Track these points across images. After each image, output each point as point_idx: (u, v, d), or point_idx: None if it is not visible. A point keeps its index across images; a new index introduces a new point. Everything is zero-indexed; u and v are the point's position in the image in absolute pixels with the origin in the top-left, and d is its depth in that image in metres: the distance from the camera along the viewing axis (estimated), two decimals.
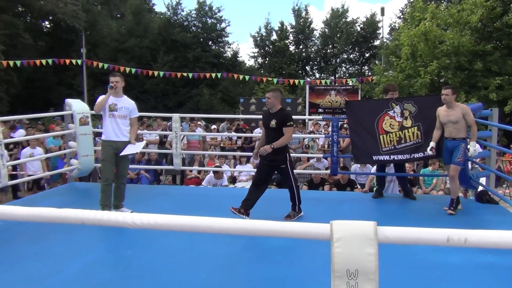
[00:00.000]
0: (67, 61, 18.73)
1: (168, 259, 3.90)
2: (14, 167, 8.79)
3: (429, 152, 5.65)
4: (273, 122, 5.08)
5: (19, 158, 8.71)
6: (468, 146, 5.42)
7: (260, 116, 6.66)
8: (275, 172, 5.47)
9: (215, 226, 1.91)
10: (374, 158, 6.36)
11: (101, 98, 5.32)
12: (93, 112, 5.95)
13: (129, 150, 5.29)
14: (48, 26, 37.03)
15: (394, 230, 1.80)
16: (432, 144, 5.61)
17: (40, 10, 32.38)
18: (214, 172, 8.75)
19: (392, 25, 33.95)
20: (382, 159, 6.28)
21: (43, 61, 17.87)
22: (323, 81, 22.04)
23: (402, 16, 32.23)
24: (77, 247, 4.14)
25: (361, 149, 6.48)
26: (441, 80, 15.22)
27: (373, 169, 7.59)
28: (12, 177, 7.43)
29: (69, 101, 6.96)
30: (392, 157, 6.26)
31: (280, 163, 5.16)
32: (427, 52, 14.60)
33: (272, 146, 5.04)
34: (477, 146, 5.52)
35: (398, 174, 6.63)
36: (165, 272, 3.58)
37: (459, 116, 5.33)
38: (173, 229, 1.94)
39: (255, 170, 6.29)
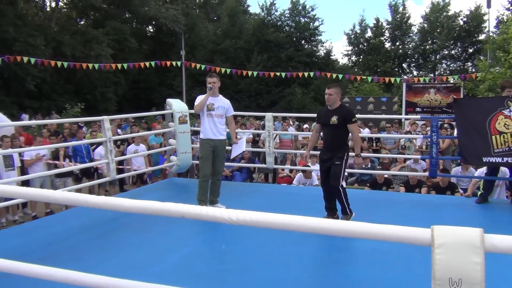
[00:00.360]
0: (168, 63, 19.83)
1: (261, 256, 3.96)
2: (121, 162, 9.50)
3: None
4: (334, 119, 4.79)
5: (125, 154, 9.40)
6: None
7: (360, 116, 6.38)
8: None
9: (309, 225, 1.90)
10: (484, 160, 5.89)
11: (200, 99, 5.54)
12: (191, 111, 6.22)
13: (236, 151, 5.56)
14: (151, 30, 39.55)
15: (503, 238, 1.66)
16: None
17: (144, 16, 34.73)
18: (303, 171, 8.73)
19: (500, 18, 31.39)
20: (494, 161, 5.79)
21: (147, 64, 19.08)
22: (421, 79, 20.98)
23: (511, 8, 29.66)
24: (176, 239, 4.36)
25: (469, 150, 6.03)
26: None
27: (477, 172, 7.05)
28: (119, 171, 8.02)
29: (169, 100, 7.33)
30: (506, 159, 5.75)
31: (336, 160, 4.81)
32: None
33: (359, 155, 4.98)
34: None
35: (508, 178, 6.10)
36: (257, 268, 3.64)
37: None
38: (267, 227, 1.96)
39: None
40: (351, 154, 5.11)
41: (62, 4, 33.74)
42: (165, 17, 32.81)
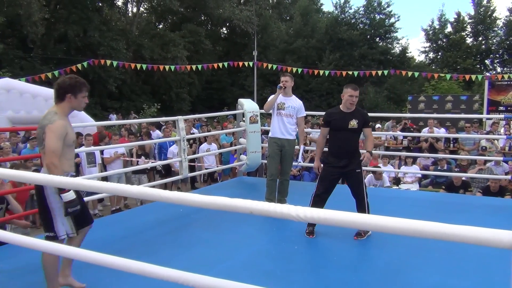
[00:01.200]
0: (240, 63, 20.14)
1: (327, 258, 3.94)
2: (193, 160, 9.81)
3: None
4: (354, 123, 4.38)
5: (197, 153, 9.71)
6: None
7: (431, 115, 6.06)
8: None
9: (381, 224, 1.86)
10: None
11: (271, 97, 5.59)
12: (262, 111, 6.28)
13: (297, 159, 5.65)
14: (225, 32, 40.41)
15: None
16: None
17: (219, 18, 35.58)
18: (373, 172, 8.51)
19: None
20: None
21: (220, 65, 19.53)
22: (505, 76, 19.61)
23: None
24: (245, 237, 4.45)
25: None
26: None
27: None
28: (191, 169, 8.30)
29: (241, 100, 7.45)
30: None
31: (356, 167, 4.45)
32: None
33: (371, 152, 4.51)
34: None
35: None
36: (324, 269, 3.62)
37: None
38: (335, 225, 1.94)
39: (420, 172, 5.75)
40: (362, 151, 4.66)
41: (143, 10, 35.48)
42: (239, 18, 33.41)
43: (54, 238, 2.97)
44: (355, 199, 4.51)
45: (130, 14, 34.88)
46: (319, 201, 4.45)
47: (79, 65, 16.48)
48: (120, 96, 28.92)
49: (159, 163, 8.53)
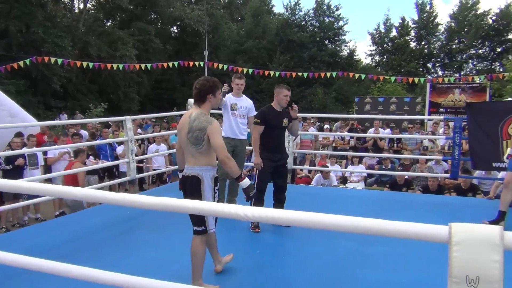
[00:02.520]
0: (191, 63, 19.95)
1: (276, 256, 4.00)
2: (141, 162, 9.63)
3: (505, 160, 4.94)
4: (286, 121, 4.79)
5: (146, 154, 9.54)
6: None
7: (377, 116, 6.32)
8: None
9: (324, 222, 1.90)
10: (494, 165, 5.84)
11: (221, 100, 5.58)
12: (213, 111, 6.26)
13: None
14: (176, 31, 39.91)
15: None
16: (509, 150, 4.89)
17: (169, 17, 35.08)
18: (321, 171, 8.72)
19: None
20: (504, 166, 5.72)
21: (170, 64, 19.25)
22: (446, 79, 20.60)
23: None
24: None
25: (479, 155, 6.01)
26: None
27: (500, 174, 6.91)
28: (139, 170, 8.14)
29: (191, 100, 7.34)
30: None
31: (285, 162, 5.03)
32: None
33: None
34: None
35: None
36: (272, 268, 3.67)
37: None
38: (281, 223, 1.98)
39: (366, 171, 5.98)
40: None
41: (90, 6, 34.37)
42: (190, 17, 33.07)
43: (203, 232, 3.25)
44: (277, 192, 4.89)
45: (76, 10, 33.70)
46: (262, 197, 4.66)
47: (21, 63, 15.73)
48: (65, 95, 27.87)
49: (106, 164, 8.30)
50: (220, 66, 20.02)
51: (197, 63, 20.99)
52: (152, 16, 36.50)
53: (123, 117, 6.26)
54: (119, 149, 8.89)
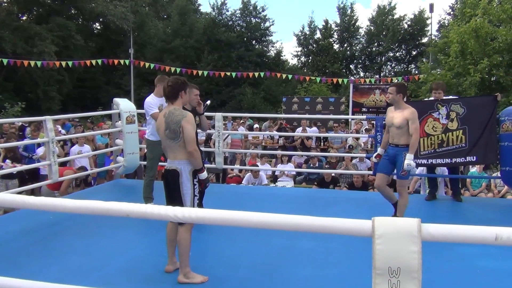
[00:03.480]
0: (116, 61, 19.33)
1: (209, 255, 3.97)
2: (63, 164, 9.14)
3: (374, 160, 5.27)
4: (198, 119, 4.79)
5: (68, 155, 9.07)
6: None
7: (304, 116, 6.47)
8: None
9: (254, 220, 1.92)
10: None
11: (154, 105, 5.42)
12: (140, 111, 6.12)
13: None
14: (99, 27, 38.39)
15: (438, 227, 1.77)
16: (379, 151, 5.13)
17: (91, 12, 33.60)
18: (251, 170, 8.81)
19: (441, 22, 33.02)
20: (420, 162, 6.10)
21: (93, 62, 18.50)
22: (367, 80, 21.65)
23: (452, 13, 31.23)
24: (122, 243, 4.27)
25: None
26: (492, 79, 14.65)
27: (418, 170, 7.37)
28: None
29: (116, 100, 7.14)
30: (430, 161, 6.07)
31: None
32: (477, 50, 14.11)
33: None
34: (412, 161, 4.58)
35: (446, 176, 6.43)
36: (204, 268, 3.63)
37: (403, 121, 4.62)
38: (212, 223, 1.96)
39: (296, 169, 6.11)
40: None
41: None
42: (113, 14, 31.89)
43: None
44: None
45: None
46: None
47: None
48: None
49: (25, 167, 7.77)
50: (147, 64, 19.58)
51: (122, 61, 20.36)
52: (73, 11, 34.82)
53: (43, 117, 5.91)
54: (39, 151, 8.38)
